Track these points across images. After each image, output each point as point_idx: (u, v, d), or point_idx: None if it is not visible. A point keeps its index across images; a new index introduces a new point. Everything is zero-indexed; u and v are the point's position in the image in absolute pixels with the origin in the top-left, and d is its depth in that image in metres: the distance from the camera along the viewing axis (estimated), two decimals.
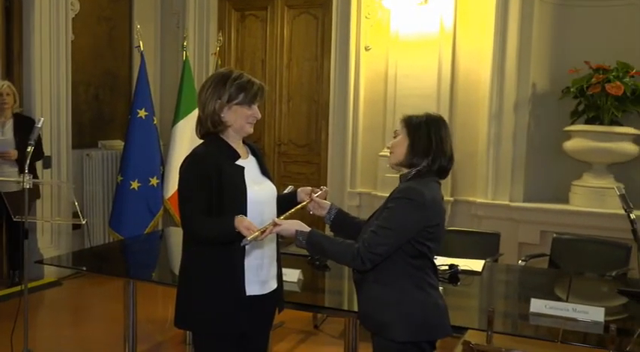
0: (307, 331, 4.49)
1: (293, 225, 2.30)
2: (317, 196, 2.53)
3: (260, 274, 2.44)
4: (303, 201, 2.52)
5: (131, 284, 3.58)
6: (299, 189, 2.61)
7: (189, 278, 2.43)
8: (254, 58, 6.40)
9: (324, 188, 2.57)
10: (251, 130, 2.45)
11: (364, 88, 5.78)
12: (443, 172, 2.35)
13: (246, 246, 2.30)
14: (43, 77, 5.46)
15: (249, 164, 2.46)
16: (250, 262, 2.40)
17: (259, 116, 2.45)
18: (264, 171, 2.54)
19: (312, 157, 6.16)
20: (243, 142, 2.52)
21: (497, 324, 2.48)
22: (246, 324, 2.40)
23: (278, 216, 2.48)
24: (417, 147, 2.28)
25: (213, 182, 2.32)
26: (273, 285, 2.52)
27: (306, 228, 2.29)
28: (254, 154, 2.53)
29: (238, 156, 2.43)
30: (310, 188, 2.57)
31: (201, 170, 2.34)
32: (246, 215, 2.33)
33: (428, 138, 2.29)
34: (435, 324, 2.31)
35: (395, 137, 2.36)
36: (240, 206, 2.34)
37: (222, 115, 2.39)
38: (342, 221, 2.53)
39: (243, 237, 2.24)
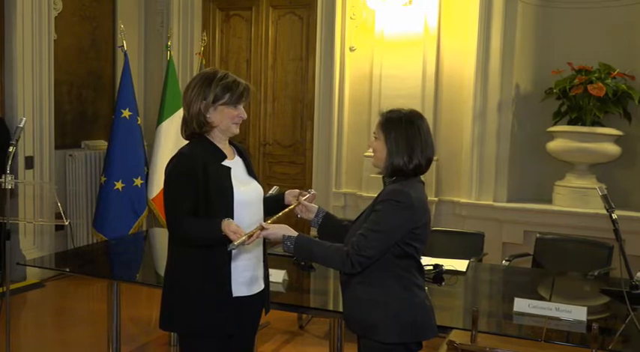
0: (292, 331, 4.49)
1: (280, 230, 2.28)
2: (305, 200, 2.51)
3: (247, 275, 2.43)
4: (291, 204, 2.51)
5: (115, 285, 3.56)
6: (287, 192, 2.60)
7: (174, 280, 2.41)
8: (239, 58, 6.38)
9: (312, 191, 2.56)
10: (237, 131, 2.44)
11: (349, 88, 5.79)
12: (423, 169, 2.34)
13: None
14: (25, 77, 5.40)
15: (235, 164, 2.45)
16: (237, 263, 2.39)
17: (245, 116, 2.44)
18: (251, 172, 2.52)
19: (297, 157, 6.16)
20: (230, 143, 2.51)
21: (481, 324, 2.49)
22: (232, 326, 2.39)
23: (264, 217, 2.48)
24: (392, 148, 2.28)
25: (200, 182, 2.31)
26: (260, 286, 2.51)
27: (294, 233, 2.27)
28: (240, 155, 2.52)
29: (225, 157, 2.42)
30: (298, 191, 2.57)
31: (188, 170, 2.32)
32: (232, 216, 2.32)
33: (404, 139, 2.28)
34: (423, 325, 2.32)
35: (375, 139, 2.36)
36: (227, 207, 2.33)
37: (208, 116, 2.37)
38: (329, 225, 2.52)
39: (230, 240, 2.23)
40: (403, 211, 2.21)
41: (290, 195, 2.57)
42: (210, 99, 2.36)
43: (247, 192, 2.42)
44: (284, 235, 2.26)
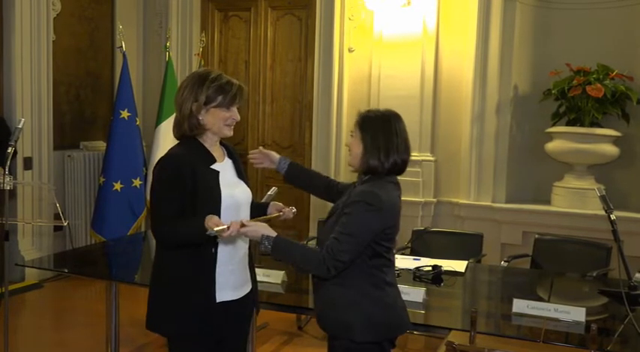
0: (291, 332, 4.48)
1: (260, 228, 2.23)
2: (284, 216, 2.52)
3: (232, 280, 2.40)
4: (272, 214, 2.51)
5: (113, 286, 3.56)
6: (271, 203, 2.58)
7: (160, 282, 2.39)
8: (237, 59, 6.38)
9: (293, 209, 2.56)
10: (230, 133, 2.39)
11: (348, 89, 5.79)
12: (399, 169, 2.34)
13: (218, 253, 2.30)
14: (23, 77, 5.40)
15: (224, 167, 2.42)
16: (222, 268, 2.35)
17: (238, 118, 2.40)
18: (240, 174, 2.49)
19: (295, 158, 6.09)
20: (221, 143, 2.47)
21: (480, 324, 2.49)
22: (219, 331, 2.37)
23: (260, 214, 2.48)
24: (368, 147, 2.29)
25: (187, 186, 2.26)
26: (246, 289, 2.49)
27: (273, 233, 2.24)
28: (230, 156, 2.49)
29: (214, 160, 2.37)
30: (281, 205, 2.55)
31: (176, 171, 2.27)
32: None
33: (381, 138, 2.29)
34: (395, 322, 2.34)
35: (351, 136, 2.37)
36: (214, 211, 2.28)
37: (200, 118, 2.32)
38: (296, 171, 2.63)
39: (214, 239, 2.23)
40: (373, 213, 2.21)
41: (274, 207, 2.56)
42: (201, 100, 2.31)
43: (235, 196, 2.39)
44: (262, 235, 2.22)
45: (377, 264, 2.29)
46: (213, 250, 2.32)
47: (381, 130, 2.30)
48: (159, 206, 2.30)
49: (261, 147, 2.70)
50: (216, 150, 2.41)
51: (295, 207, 2.60)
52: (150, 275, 2.45)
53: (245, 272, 2.49)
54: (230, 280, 2.39)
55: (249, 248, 2.52)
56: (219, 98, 2.32)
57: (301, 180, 2.67)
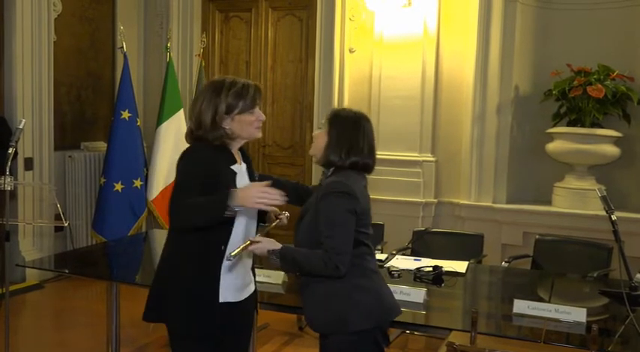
0: (292, 333, 4.48)
1: (266, 245, 2.27)
2: (280, 222, 2.54)
3: (237, 283, 2.42)
4: (271, 222, 2.55)
5: (114, 286, 3.56)
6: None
7: (165, 277, 2.39)
8: (238, 60, 6.38)
9: (286, 213, 2.57)
10: (259, 134, 2.42)
11: (348, 89, 5.79)
12: (362, 168, 2.39)
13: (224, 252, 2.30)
14: (24, 78, 5.40)
15: (241, 169, 2.44)
16: (228, 271, 2.37)
17: (264, 117, 2.41)
18: (252, 178, 2.51)
19: (296, 159, 6.16)
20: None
21: (480, 325, 2.49)
22: (218, 331, 2.37)
23: (260, 219, 2.51)
24: (332, 142, 2.35)
25: (209, 182, 2.27)
26: (249, 291, 2.51)
27: (278, 245, 2.28)
28: (245, 159, 2.51)
29: (234, 161, 2.40)
30: (277, 210, 2.55)
31: (203, 165, 2.29)
32: (233, 221, 2.32)
33: (344, 136, 2.35)
34: (386, 306, 2.38)
35: (319, 128, 2.43)
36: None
37: (227, 127, 2.33)
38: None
39: (228, 224, 2.26)
40: (344, 198, 2.27)
41: (271, 213, 2.57)
42: (222, 110, 2.31)
43: None
44: (268, 250, 2.26)
45: (360, 253, 2.33)
46: (222, 247, 2.32)
47: (349, 129, 2.37)
48: (181, 193, 2.26)
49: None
50: (236, 154, 2.44)
51: (287, 212, 2.61)
52: (156, 270, 2.46)
53: (248, 274, 2.51)
54: (235, 283, 2.40)
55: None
56: (240, 103, 2.33)
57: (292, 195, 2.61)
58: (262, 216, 2.57)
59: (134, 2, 6.53)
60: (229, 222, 2.32)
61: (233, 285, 2.40)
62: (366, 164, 2.39)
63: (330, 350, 2.37)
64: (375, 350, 2.37)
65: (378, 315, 2.34)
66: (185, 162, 2.33)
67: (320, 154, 2.39)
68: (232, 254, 2.21)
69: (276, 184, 2.41)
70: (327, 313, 2.33)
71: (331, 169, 2.38)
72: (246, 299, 2.48)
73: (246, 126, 2.36)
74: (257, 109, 2.39)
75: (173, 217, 2.30)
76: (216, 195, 2.23)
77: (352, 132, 2.36)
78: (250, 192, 2.19)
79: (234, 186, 2.34)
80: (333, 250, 2.22)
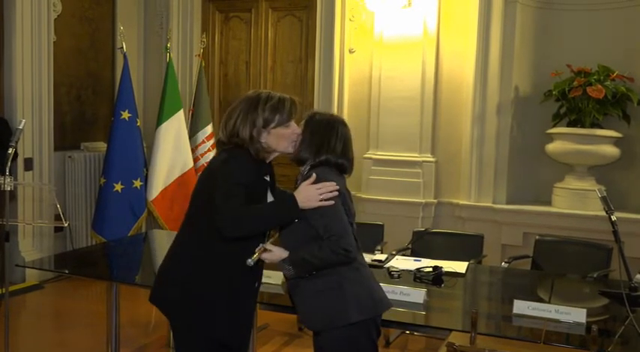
0: (292, 333, 4.48)
1: (276, 254, 2.32)
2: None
3: (255, 289, 2.48)
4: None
5: (114, 287, 3.56)
6: None
7: (190, 273, 2.36)
8: (238, 60, 6.38)
9: None
10: (292, 149, 2.44)
11: (348, 90, 5.79)
12: (336, 167, 2.44)
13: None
14: (24, 78, 5.40)
15: (269, 180, 2.48)
16: (253, 277, 2.43)
17: (299, 131, 2.43)
18: (273, 190, 2.54)
19: None
20: None
21: (480, 325, 2.49)
22: (238, 339, 2.43)
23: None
24: (305, 140, 2.42)
25: (249, 189, 2.28)
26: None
27: (285, 253, 2.32)
28: (271, 172, 2.54)
29: (267, 172, 2.45)
30: None
31: (247, 172, 2.30)
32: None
33: (317, 134, 2.42)
34: (378, 297, 2.42)
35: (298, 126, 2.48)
36: None
37: (263, 141, 2.35)
38: None
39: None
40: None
41: None
42: (260, 124, 2.33)
43: None
44: (281, 259, 2.32)
45: None
46: (260, 263, 2.37)
47: (322, 129, 2.44)
48: (232, 199, 2.24)
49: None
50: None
51: None
52: (173, 253, 2.45)
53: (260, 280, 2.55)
54: (254, 288, 2.47)
55: None
56: (277, 117, 2.36)
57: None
58: None
59: (134, 2, 6.53)
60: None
61: (253, 291, 2.46)
62: (339, 164, 2.44)
63: (325, 345, 2.39)
64: (368, 343, 2.40)
65: (369, 307, 2.37)
66: (231, 167, 2.30)
67: (294, 151, 2.45)
68: (252, 259, 2.26)
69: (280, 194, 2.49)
70: (322, 309, 2.35)
71: (307, 168, 2.43)
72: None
73: (282, 140, 2.39)
74: (292, 123, 2.41)
75: (229, 224, 2.23)
76: (277, 200, 2.34)
77: (325, 133, 2.43)
78: (310, 192, 2.27)
79: (266, 196, 2.40)
80: (335, 236, 2.27)
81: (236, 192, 2.24)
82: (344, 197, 2.39)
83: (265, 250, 2.31)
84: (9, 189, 3.34)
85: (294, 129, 2.42)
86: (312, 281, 2.34)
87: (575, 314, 2.71)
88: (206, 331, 2.35)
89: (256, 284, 2.45)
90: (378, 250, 4.14)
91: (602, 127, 5.10)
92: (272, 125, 2.35)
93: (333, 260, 2.30)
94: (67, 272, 3.92)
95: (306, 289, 2.37)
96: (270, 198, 2.42)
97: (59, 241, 5.66)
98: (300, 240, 2.34)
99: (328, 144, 2.42)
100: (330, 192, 2.29)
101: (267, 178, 2.43)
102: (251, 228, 2.28)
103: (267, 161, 2.45)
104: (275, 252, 2.32)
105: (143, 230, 5.52)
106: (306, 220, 2.32)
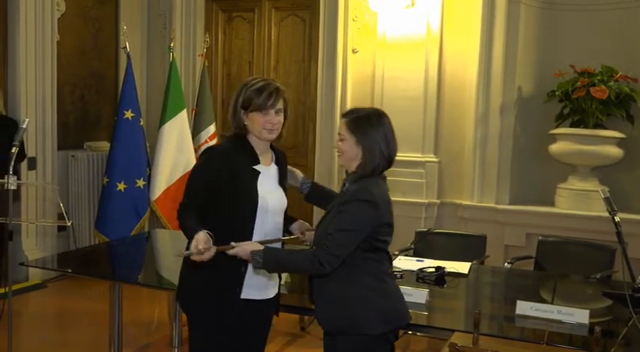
0: (294, 333, 4.48)
1: (248, 247, 2.29)
2: (304, 238, 2.57)
3: (261, 280, 2.48)
4: (293, 234, 2.57)
5: (117, 286, 3.56)
6: (299, 222, 2.61)
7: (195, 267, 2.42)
8: (241, 60, 6.39)
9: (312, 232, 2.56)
10: (269, 136, 2.44)
11: (351, 90, 5.79)
12: (391, 164, 2.39)
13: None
14: (28, 78, 5.41)
15: (268, 171, 2.48)
16: (250, 268, 2.42)
17: (275, 121, 2.43)
18: (282, 182, 2.54)
19: (299, 159, 6.15)
20: (272, 148, 2.54)
21: (483, 326, 2.49)
22: (237, 325, 2.44)
23: (284, 228, 2.54)
24: (367, 147, 2.30)
25: (223, 182, 2.35)
26: (274, 292, 2.57)
27: (260, 247, 2.29)
28: (277, 162, 2.54)
29: (258, 161, 2.44)
30: (308, 225, 2.61)
31: (214, 165, 2.37)
32: (254, 220, 2.38)
33: (376, 137, 2.31)
34: (401, 310, 2.39)
35: (341, 140, 2.36)
36: (250, 211, 2.38)
37: (246, 123, 2.42)
38: (317, 192, 2.64)
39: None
40: (368, 210, 2.25)
41: (302, 226, 2.60)
42: (239, 104, 2.42)
43: (270, 202, 2.44)
44: (252, 251, 2.27)
45: (377, 258, 2.34)
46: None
47: (376, 129, 2.32)
48: (187, 193, 2.42)
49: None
50: (264, 153, 2.48)
51: (300, 218, 2.63)
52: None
53: (275, 275, 2.54)
54: (259, 280, 2.47)
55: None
56: (254, 102, 2.40)
57: (321, 201, 2.64)
58: (288, 225, 2.60)
59: (137, 2, 6.54)
60: (251, 222, 2.38)
61: (257, 284, 2.46)
62: (394, 153, 2.38)
63: (339, 349, 2.36)
64: None
65: (391, 319, 2.34)
66: (201, 159, 2.46)
67: (356, 163, 2.33)
68: (185, 252, 2.25)
69: (327, 197, 2.52)
70: (342, 314, 2.32)
71: (358, 174, 2.33)
72: (269, 299, 2.54)
73: (256, 125, 2.41)
74: (271, 112, 2.42)
75: (177, 216, 2.39)
76: (192, 229, 2.29)
77: (380, 130, 2.32)
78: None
79: (255, 186, 2.40)
80: (327, 249, 2.22)
81: (192, 189, 2.41)
82: (388, 221, 2.33)
83: (234, 248, 2.27)
84: (12, 188, 3.34)
85: (270, 118, 2.42)
86: (337, 285, 2.31)
87: (578, 315, 2.71)
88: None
89: (243, 269, 2.42)
90: None
91: (605, 128, 5.09)
92: (250, 108, 2.40)
93: (306, 270, 2.30)
94: (69, 271, 3.93)
95: (330, 292, 2.34)
96: (264, 190, 2.41)
97: (62, 240, 5.67)
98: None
99: (385, 141, 2.34)
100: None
101: (259, 168, 2.44)
102: (179, 222, 2.39)
103: (261, 147, 2.47)
104: (245, 247, 2.27)
105: (146, 229, 5.53)
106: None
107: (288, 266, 2.34)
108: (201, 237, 2.23)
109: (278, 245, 2.49)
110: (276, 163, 2.54)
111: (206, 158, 2.44)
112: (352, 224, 2.24)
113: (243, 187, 2.37)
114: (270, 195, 2.45)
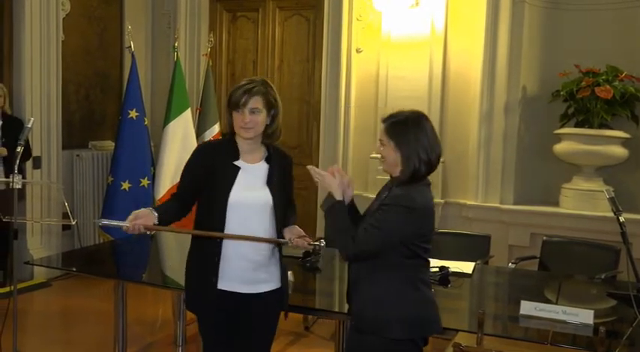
0: (298, 332, 4.48)
1: (334, 186, 2.37)
2: (295, 244, 2.54)
3: (244, 276, 2.49)
4: (284, 238, 2.56)
5: (121, 285, 3.57)
6: (289, 227, 2.59)
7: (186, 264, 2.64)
8: (245, 60, 6.39)
9: (323, 242, 2.56)
10: (246, 135, 2.47)
11: (355, 89, 5.79)
12: (436, 167, 2.36)
13: (222, 248, 2.47)
14: (33, 77, 5.43)
15: (252, 168, 2.50)
16: (230, 262, 2.48)
17: (247, 120, 2.44)
18: (270, 181, 2.53)
19: (303, 159, 6.14)
20: (269, 147, 2.56)
21: (487, 326, 2.49)
22: (214, 313, 2.50)
23: (277, 227, 2.54)
24: (408, 152, 2.27)
25: (201, 175, 2.49)
26: (262, 288, 2.55)
27: (340, 197, 2.35)
28: (269, 161, 2.54)
29: (237, 157, 2.49)
30: (299, 231, 2.57)
31: (196, 160, 2.55)
32: (224, 213, 2.43)
33: (416, 141, 2.27)
34: (430, 320, 2.36)
35: (382, 146, 2.34)
36: (220, 204, 2.44)
37: (231, 120, 2.51)
38: (351, 208, 2.53)
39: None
40: (407, 216, 2.23)
41: (291, 231, 2.58)
42: (227, 104, 2.53)
43: (248, 197, 2.46)
44: (329, 193, 2.36)
45: (415, 264, 2.32)
46: (218, 240, 2.47)
47: (414, 133, 2.28)
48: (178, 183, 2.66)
49: (338, 167, 2.53)
50: (251, 151, 2.52)
51: (299, 225, 2.62)
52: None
53: (261, 271, 2.54)
54: (240, 275, 2.49)
55: (279, 251, 2.60)
56: (231, 101, 2.48)
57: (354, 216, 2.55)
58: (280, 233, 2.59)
59: (142, 2, 6.55)
60: (222, 215, 2.44)
61: (238, 277, 2.48)
62: (439, 159, 2.35)
63: (366, 348, 2.35)
64: None
65: (419, 328, 2.33)
66: (191, 154, 2.63)
67: (398, 169, 2.31)
68: (104, 221, 2.59)
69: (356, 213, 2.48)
70: (374, 315, 2.31)
71: (405, 178, 2.30)
72: (260, 294, 2.54)
73: (235, 123, 2.50)
74: (245, 111, 2.44)
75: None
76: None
77: (420, 134, 2.28)
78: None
79: (232, 180, 2.45)
80: (358, 243, 2.25)
81: (180, 178, 2.63)
82: (429, 229, 2.33)
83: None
84: (18, 187, 3.35)
85: (243, 117, 2.45)
86: (375, 288, 2.31)
87: (583, 316, 2.71)
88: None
89: (216, 259, 2.47)
90: None
91: (610, 128, 5.08)
92: (230, 107, 2.49)
93: (338, 246, 2.35)
94: (74, 270, 3.94)
95: (366, 292, 2.34)
96: (242, 185, 2.46)
97: (67, 239, 5.69)
98: None
99: (428, 144, 2.30)
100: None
101: (240, 163, 2.49)
102: None
103: (247, 145, 2.51)
104: (327, 181, 2.38)
105: None
106: None
107: (335, 227, 2.34)
108: (140, 213, 2.61)
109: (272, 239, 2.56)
110: (267, 161, 2.54)
111: (191, 154, 2.60)
112: (386, 225, 2.23)
113: (218, 181, 2.46)
114: (249, 191, 2.47)
